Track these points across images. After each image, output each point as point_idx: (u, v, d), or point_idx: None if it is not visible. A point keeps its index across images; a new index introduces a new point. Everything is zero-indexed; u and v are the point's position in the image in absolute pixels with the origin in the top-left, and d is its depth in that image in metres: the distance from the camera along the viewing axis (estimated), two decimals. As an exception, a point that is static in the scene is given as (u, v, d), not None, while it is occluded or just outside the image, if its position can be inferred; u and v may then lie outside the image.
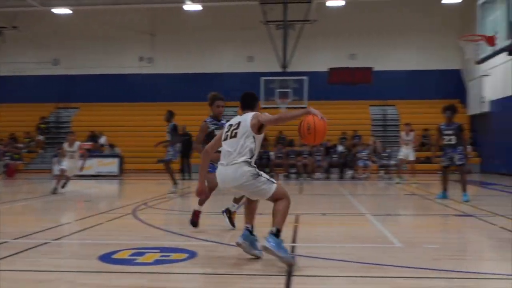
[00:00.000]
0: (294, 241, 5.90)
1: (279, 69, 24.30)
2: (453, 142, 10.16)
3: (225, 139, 4.88)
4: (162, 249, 5.27)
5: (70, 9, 22.26)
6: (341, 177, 18.59)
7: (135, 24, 26.37)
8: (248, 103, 5.15)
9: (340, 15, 25.00)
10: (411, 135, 15.77)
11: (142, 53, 27.33)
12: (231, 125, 4.94)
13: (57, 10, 22.40)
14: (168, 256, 4.97)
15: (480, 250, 5.80)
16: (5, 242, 5.75)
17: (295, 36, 24.02)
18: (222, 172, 4.77)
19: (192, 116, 24.75)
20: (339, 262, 4.78)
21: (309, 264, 4.73)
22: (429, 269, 4.45)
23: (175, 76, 26.85)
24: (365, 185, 16.02)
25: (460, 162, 10.13)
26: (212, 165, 5.64)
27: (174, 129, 12.24)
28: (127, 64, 27.10)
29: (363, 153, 18.93)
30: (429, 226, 7.48)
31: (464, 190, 9.95)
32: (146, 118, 24.88)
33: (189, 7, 23.40)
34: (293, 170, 19.17)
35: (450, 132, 10.20)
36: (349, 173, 18.93)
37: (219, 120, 6.85)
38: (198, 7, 23.52)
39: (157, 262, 4.73)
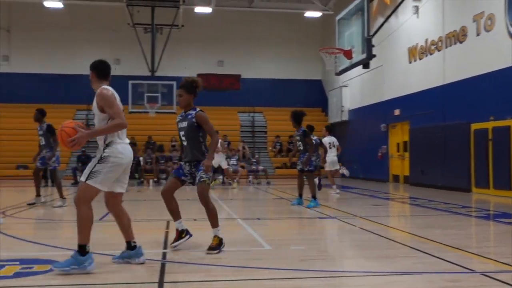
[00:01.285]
0: (165, 247, 5.84)
1: (147, 73, 23.90)
2: (298, 148, 10.45)
3: None
4: (23, 261, 4.91)
5: None
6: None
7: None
8: None
9: (208, 22, 25.31)
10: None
11: (-2, 50, 25.23)
12: None
13: None
14: (31, 268, 4.65)
15: (342, 249, 6.22)
16: None
17: (163, 41, 23.81)
18: None
19: (50, 119, 23.35)
20: (210, 267, 4.85)
21: (180, 270, 4.72)
22: (297, 269, 4.68)
23: (33, 76, 25.13)
24: (235, 190, 16.33)
25: (300, 167, 10.43)
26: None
27: (50, 130, 10.53)
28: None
29: (233, 159, 19.30)
30: (296, 228, 7.86)
31: (312, 196, 10.17)
32: (4, 120, 23.04)
33: (49, 3, 22.10)
34: (164, 176, 18.95)
35: (297, 138, 10.49)
36: (219, 178, 19.17)
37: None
38: (59, 4, 22.31)
39: (17, 274, 4.41)
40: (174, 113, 21.70)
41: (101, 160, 4.62)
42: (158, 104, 22.35)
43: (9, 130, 22.82)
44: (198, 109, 5.80)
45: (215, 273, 4.62)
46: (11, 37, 25.28)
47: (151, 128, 23.41)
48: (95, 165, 4.61)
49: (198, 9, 23.52)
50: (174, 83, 22.68)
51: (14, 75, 25.16)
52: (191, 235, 5.77)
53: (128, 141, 4.90)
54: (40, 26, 24.90)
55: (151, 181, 18.76)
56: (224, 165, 16.51)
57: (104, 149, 4.67)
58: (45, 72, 25.16)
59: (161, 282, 4.21)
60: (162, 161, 19.21)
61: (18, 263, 4.83)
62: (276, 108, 26.45)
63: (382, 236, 6.58)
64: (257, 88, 26.47)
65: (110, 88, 4.89)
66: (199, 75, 26.21)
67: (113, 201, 4.95)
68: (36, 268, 4.67)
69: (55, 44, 25.32)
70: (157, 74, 23.90)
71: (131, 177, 16.62)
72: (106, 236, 6.58)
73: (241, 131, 25.42)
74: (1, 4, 23.43)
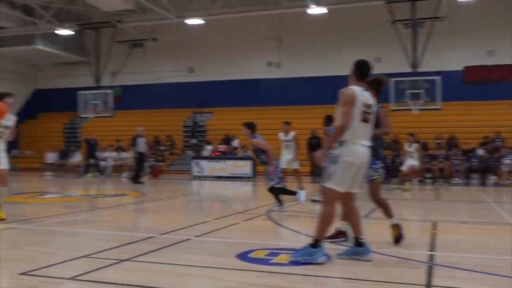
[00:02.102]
0: (432, 249, 5.67)
1: (408, 69, 23.42)
2: None
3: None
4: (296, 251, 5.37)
5: (202, 20, 23.49)
6: (482, 183, 17.40)
7: (263, 30, 27.11)
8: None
9: (473, 10, 23.48)
10: None
11: (270, 58, 28.01)
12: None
13: (190, 21, 23.77)
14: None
15: None
16: (153, 236, 6.25)
17: (425, 35, 23.00)
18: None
19: (318, 120, 24.84)
20: (484, 275, 4.50)
21: (450, 275, 4.52)
22: None
23: (301, 80, 27.14)
24: (510, 191, 14.83)
25: None
26: None
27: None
28: (256, 69, 27.96)
29: (508, 158, 17.52)
30: None
31: None
32: (276, 121, 25.49)
33: (313, 10, 23.47)
34: (429, 175, 18.33)
35: None
36: (491, 179, 17.64)
37: None
38: (323, 10, 23.50)
39: (291, 263, 4.84)
40: (438, 109, 20.81)
41: (333, 160, 4.76)
42: (421, 100, 21.70)
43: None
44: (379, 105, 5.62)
45: (489, 282, 4.29)
46: (281, 45, 27.78)
47: (414, 126, 22.89)
48: (330, 167, 4.77)
49: (463, -3, 22.05)
50: (438, 78, 21.72)
51: (285, 80, 27.59)
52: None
53: (364, 142, 4.86)
54: (305, 32, 26.72)
55: (414, 180, 18.34)
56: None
57: (336, 148, 4.78)
58: (312, 75, 26.90)
59: (428, 285, 4.11)
60: (427, 160, 18.59)
61: (292, 252, 5.28)
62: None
63: None
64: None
65: (355, 89, 4.94)
66: (466, 68, 24.66)
67: (347, 199, 5.08)
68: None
69: (320, 48, 26.86)
70: (419, 69, 23.22)
71: (393, 176, 16.41)
72: (375, 233, 6.71)
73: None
74: (273, 17, 25.93)
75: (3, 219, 7.25)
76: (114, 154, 22.15)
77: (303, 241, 6.06)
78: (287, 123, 12.22)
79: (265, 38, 27.30)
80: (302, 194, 8.90)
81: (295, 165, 11.82)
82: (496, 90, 24.00)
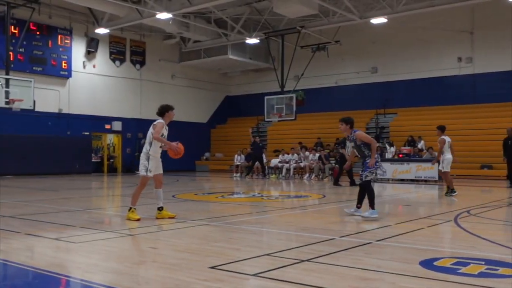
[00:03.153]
0: None
1: None
2: None
3: None
4: (488, 261, 4.92)
5: (386, 18, 22.90)
6: None
7: (452, 24, 25.45)
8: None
9: None
10: None
11: (461, 53, 26.15)
12: None
13: (374, 21, 23.35)
14: (496, 270, 4.60)
15: None
16: (333, 239, 6.27)
17: None
18: None
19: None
20: None
21: None
22: None
23: (497, 75, 24.80)
24: None
25: None
26: None
27: None
28: (445, 66, 26.35)
29: None
30: None
31: None
32: (467, 121, 23.79)
33: (514, -3, 21.28)
34: None
35: None
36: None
37: None
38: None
39: (481, 274, 4.44)
40: None
41: None
42: None
43: (476, 130, 23.30)
44: None
45: None
46: (474, 39, 25.73)
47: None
48: None
49: None
50: None
51: (477, 76, 25.51)
52: None
53: None
54: (502, 23, 24.34)
55: None
56: None
57: None
58: (508, 69, 24.43)
59: None
60: None
61: (483, 263, 4.87)
62: None
63: None
64: None
65: None
66: None
67: None
68: (501, 271, 4.59)
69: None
70: None
71: None
72: None
73: None
74: (464, 8, 24.15)
75: (172, 217, 8.01)
76: (295, 156, 22.80)
77: (497, 251, 5.53)
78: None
79: (455, 32, 25.61)
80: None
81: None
82: None
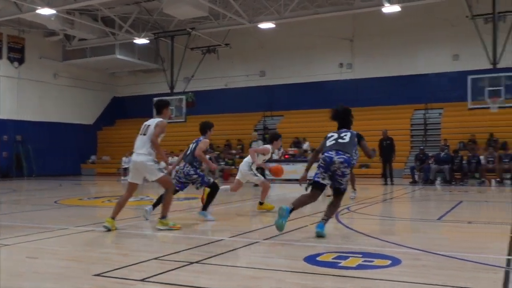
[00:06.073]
0: (510, 253, 5.38)
1: (488, 66, 22.33)
2: None
3: None
4: (365, 254, 5.28)
5: (274, 23, 23.62)
6: None
7: (334, 31, 26.87)
8: None
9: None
10: None
11: (342, 59, 27.69)
12: None
13: (262, 25, 23.97)
14: (371, 261, 4.96)
15: None
16: (222, 239, 6.36)
17: (506, 29, 21.83)
18: None
19: (392, 120, 24.33)
20: None
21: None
22: None
23: (375, 80, 26.62)
24: None
25: None
26: None
27: None
28: (327, 71, 27.74)
29: None
30: None
31: None
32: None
33: (387, 9, 22.94)
34: (508, 176, 17.47)
35: None
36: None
37: None
38: (396, 8, 22.91)
39: (359, 266, 4.76)
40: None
41: None
42: (501, 98, 20.64)
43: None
44: None
45: None
46: (354, 46, 27.38)
47: (493, 125, 21.84)
48: None
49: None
50: (520, 74, 20.60)
51: (357, 81, 27.18)
52: None
53: None
54: (379, 32, 26.17)
55: (493, 181, 17.53)
56: None
57: None
58: (385, 75, 26.30)
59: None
60: (506, 160, 17.68)
61: (361, 255, 5.22)
62: None
63: None
64: None
65: None
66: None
67: None
68: (376, 262, 4.94)
69: (392, 48, 26.23)
70: (500, 66, 22.09)
71: (471, 176, 15.99)
72: (452, 237, 6.46)
73: None
74: (346, 18, 25.60)
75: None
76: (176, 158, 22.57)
77: (373, 244, 5.96)
78: None
79: (337, 39, 27.05)
80: None
81: None
82: None
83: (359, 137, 6.78)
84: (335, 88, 27.37)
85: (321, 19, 24.31)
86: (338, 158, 6.43)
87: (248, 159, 9.32)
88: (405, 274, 4.51)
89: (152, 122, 7.10)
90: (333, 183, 6.61)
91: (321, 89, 27.56)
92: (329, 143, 6.63)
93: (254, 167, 9.38)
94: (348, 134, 6.69)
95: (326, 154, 6.52)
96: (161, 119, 7.13)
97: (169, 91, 25.41)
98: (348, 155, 6.47)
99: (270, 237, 6.48)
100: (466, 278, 4.35)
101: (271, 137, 9.65)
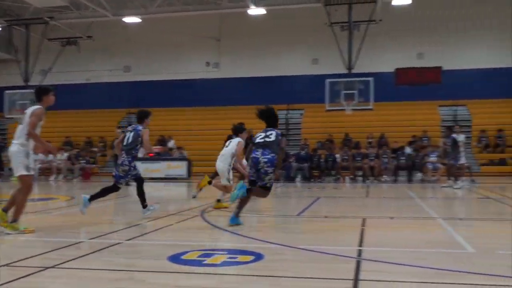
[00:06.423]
0: (360, 244, 5.82)
1: (344, 71, 24.03)
2: None
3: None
4: (229, 251, 5.36)
5: (140, 18, 23.08)
6: (409, 180, 18.15)
7: (202, 30, 27.00)
8: None
9: (406, 14, 24.43)
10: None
11: (209, 58, 27.92)
12: None
13: (127, 19, 23.28)
14: (235, 258, 5.05)
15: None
16: (82, 242, 6.04)
17: (360, 37, 23.67)
18: None
19: (256, 120, 25.03)
20: (408, 267, 4.67)
21: (377, 269, 4.65)
22: (503, 276, 4.26)
23: (240, 80, 27.21)
24: (435, 188, 15.52)
25: None
26: None
27: None
28: (195, 69, 27.78)
29: (433, 156, 18.37)
30: (504, 232, 7.13)
31: None
32: (213, 122, 25.40)
33: (253, 11, 23.62)
34: (360, 173, 18.91)
35: None
36: (418, 175, 18.41)
37: None
38: (262, 11, 23.68)
39: (224, 263, 4.82)
40: (371, 109, 21.44)
41: None
42: (354, 101, 22.31)
43: (222, 131, 25.02)
44: None
45: (414, 274, 4.45)
46: (221, 45, 27.74)
47: (348, 125, 23.51)
48: None
49: (396, 2, 22.87)
50: (371, 79, 22.43)
51: (224, 80, 27.58)
52: None
53: None
54: (245, 33, 26.81)
55: (347, 178, 18.88)
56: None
57: None
58: (251, 75, 27.00)
59: (356, 280, 4.21)
60: (359, 158, 19.15)
61: (225, 252, 5.29)
62: (482, 100, 24.41)
63: None
64: (460, 80, 24.68)
65: None
66: (397, 69, 25.51)
67: None
68: (240, 258, 5.04)
69: (258, 49, 27.03)
70: (354, 71, 23.88)
71: (328, 174, 17.00)
72: (306, 230, 6.75)
73: (442, 126, 24.00)
74: (213, 17, 25.86)
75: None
76: (42, 156, 21.11)
77: (237, 241, 6.07)
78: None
79: (205, 38, 27.19)
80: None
81: None
82: (425, 91, 25.07)
83: (281, 135, 7.24)
84: (202, 86, 27.50)
85: (189, 17, 24.29)
86: (263, 158, 6.86)
87: (227, 155, 9.06)
88: (267, 269, 4.66)
89: (29, 110, 6.61)
90: (259, 180, 6.94)
91: (189, 87, 27.50)
92: (257, 141, 7.07)
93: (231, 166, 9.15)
94: (274, 133, 7.10)
95: (253, 154, 6.97)
96: (38, 107, 6.63)
97: (23, 83, 23.60)
98: (273, 154, 6.89)
99: (133, 238, 6.31)
100: (323, 269, 4.61)
101: (237, 130, 9.44)
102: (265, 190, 7.06)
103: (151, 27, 25.98)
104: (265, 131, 7.19)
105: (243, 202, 7.12)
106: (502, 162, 21.26)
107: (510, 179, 19.03)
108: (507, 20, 23.96)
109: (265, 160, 6.85)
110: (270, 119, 7.36)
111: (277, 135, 7.09)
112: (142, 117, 8.28)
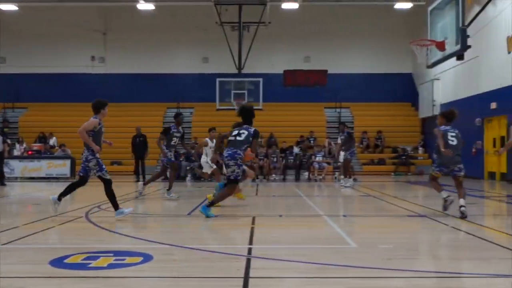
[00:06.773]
0: (250, 242, 5.88)
1: (234, 71, 24.28)
2: None
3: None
4: (116, 253, 5.15)
5: (17, 6, 21.51)
6: (297, 179, 18.76)
7: (87, 23, 25.82)
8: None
9: (294, 18, 25.22)
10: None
11: (94, 53, 26.79)
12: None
13: (3, 6, 21.59)
14: (123, 260, 4.85)
15: (433, 249, 5.95)
16: (-51, 248, 5.48)
17: (250, 38, 24.04)
18: None
19: (145, 117, 24.49)
20: (296, 264, 4.79)
21: (266, 266, 4.73)
22: (383, 268, 4.52)
23: (128, 76, 26.42)
24: (320, 186, 16.21)
25: None
26: None
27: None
28: (79, 63, 26.49)
29: (318, 155, 19.17)
30: (384, 226, 7.61)
31: None
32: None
33: (142, 6, 23.05)
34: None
35: None
36: (304, 174, 19.10)
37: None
38: (150, 6, 23.19)
39: (111, 266, 4.61)
40: (260, 109, 21.86)
41: None
42: (244, 100, 22.64)
43: (106, 128, 24.15)
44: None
45: (301, 270, 4.58)
46: (107, 39, 26.72)
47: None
48: None
49: (285, 5, 23.54)
50: (261, 80, 22.92)
51: (110, 76, 26.60)
52: None
53: None
54: (133, 28, 26.06)
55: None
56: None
57: None
58: (139, 72, 26.33)
59: (246, 278, 4.23)
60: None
61: (112, 254, 5.07)
62: (363, 103, 26.00)
63: (477, 237, 6.22)
64: (344, 83, 26.05)
65: None
66: (285, 71, 26.27)
67: None
68: (127, 260, 4.85)
69: (148, 45, 26.40)
70: (244, 71, 24.21)
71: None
72: (196, 230, 6.68)
73: (327, 127, 25.17)
74: (98, 10, 24.82)
75: None
76: None
77: (125, 242, 5.86)
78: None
79: (89, 31, 26.03)
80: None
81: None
82: (311, 93, 26.10)
83: (254, 136, 7.78)
84: (87, 81, 26.27)
85: (73, 8, 23.12)
86: (226, 152, 7.76)
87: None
88: (157, 270, 4.54)
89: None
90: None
91: (72, 81, 26.18)
92: (229, 138, 7.90)
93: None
94: (246, 133, 7.72)
95: (225, 150, 7.89)
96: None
97: None
98: (235, 150, 7.64)
99: (10, 242, 5.84)
100: (213, 269, 4.60)
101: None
102: (230, 183, 7.78)
103: (30, 16, 24.37)
104: (239, 129, 7.85)
105: (221, 195, 8.08)
106: (382, 162, 22.79)
107: (389, 178, 20.49)
108: (380, 33, 25.75)
109: (226, 155, 7.73)
110: (246, 117, 8.01)
111: (249, 135, 7.74)
112: (97, 108, 7.92)
